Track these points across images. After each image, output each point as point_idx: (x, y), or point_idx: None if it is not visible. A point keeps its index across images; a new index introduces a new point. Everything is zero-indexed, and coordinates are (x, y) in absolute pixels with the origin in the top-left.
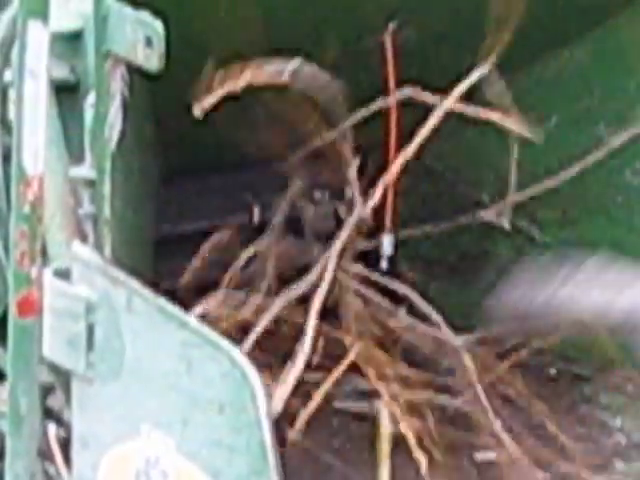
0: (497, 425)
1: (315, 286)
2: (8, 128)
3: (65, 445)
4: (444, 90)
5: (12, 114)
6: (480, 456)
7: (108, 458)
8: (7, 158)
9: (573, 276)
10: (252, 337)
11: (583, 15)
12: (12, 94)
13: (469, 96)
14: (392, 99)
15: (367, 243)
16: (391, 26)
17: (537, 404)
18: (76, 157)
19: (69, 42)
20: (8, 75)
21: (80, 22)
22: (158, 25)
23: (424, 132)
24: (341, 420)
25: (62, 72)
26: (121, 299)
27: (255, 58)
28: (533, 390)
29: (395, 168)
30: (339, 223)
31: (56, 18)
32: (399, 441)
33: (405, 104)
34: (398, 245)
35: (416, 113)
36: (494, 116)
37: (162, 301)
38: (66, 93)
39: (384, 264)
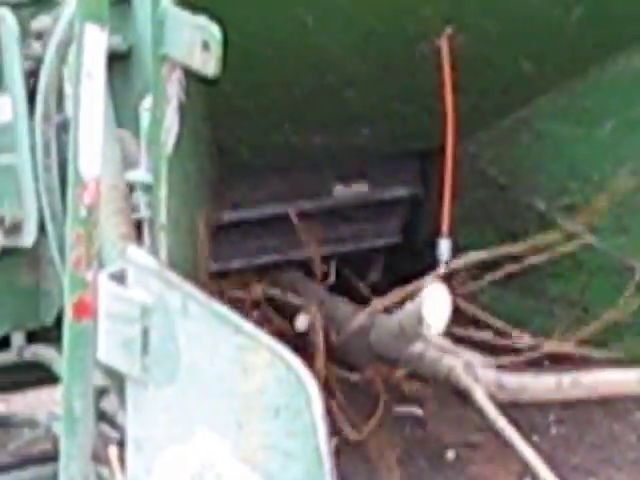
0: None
1: None
2: (65, 128)
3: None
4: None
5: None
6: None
7: (162, 461)
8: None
9: None
10: None
11: (639, 20)
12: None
13: None
14: (448, 103)
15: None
16: (448, 31)
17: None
18: (126, 125)
19: (118, 10)
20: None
21: None
22: (215, 29)
23: None
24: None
25: (113, 40)
26: (176, 303)
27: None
28: None
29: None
30: None
31: None
32: None
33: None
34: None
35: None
36: None
37: (217, 305)
38: (117, 61)
39: (441, 269)
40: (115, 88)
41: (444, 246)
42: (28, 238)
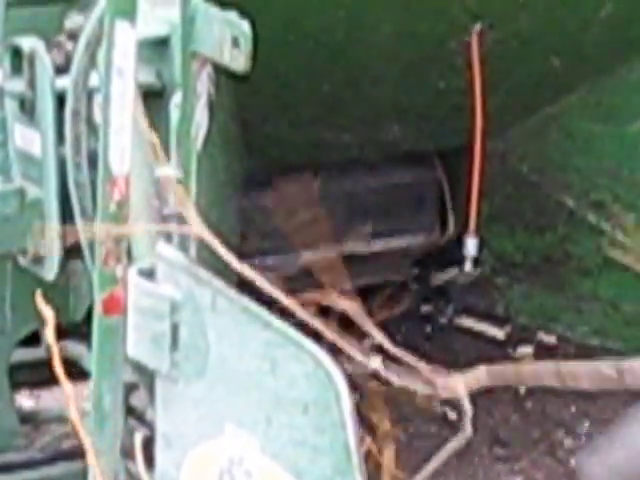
0: None
1: None
2: (93, 128)
3: (147, 444)
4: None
5: (97, 115)
6: None
7: (192, 457)
8: (92, 158)
9: None
10: None
11: None
12: (98, 96)
13: None
14: (478, 100)
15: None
16: (477, 28)
17: None
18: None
19: (155, 48)
20: (93, 79)
21: (167, 28)
22: (245, 26)
23: None
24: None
25: (148, 77)
26: (206, 299)
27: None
28: None
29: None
30: None
31: (142, 24)
32: None
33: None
34: (482, 247)
35: (504, 115)
36: None
37: (246, 301)
38: (152, 99)
39: (468, 266)
40: (150, 126)
41: (471, 244)
42: (49, 273)
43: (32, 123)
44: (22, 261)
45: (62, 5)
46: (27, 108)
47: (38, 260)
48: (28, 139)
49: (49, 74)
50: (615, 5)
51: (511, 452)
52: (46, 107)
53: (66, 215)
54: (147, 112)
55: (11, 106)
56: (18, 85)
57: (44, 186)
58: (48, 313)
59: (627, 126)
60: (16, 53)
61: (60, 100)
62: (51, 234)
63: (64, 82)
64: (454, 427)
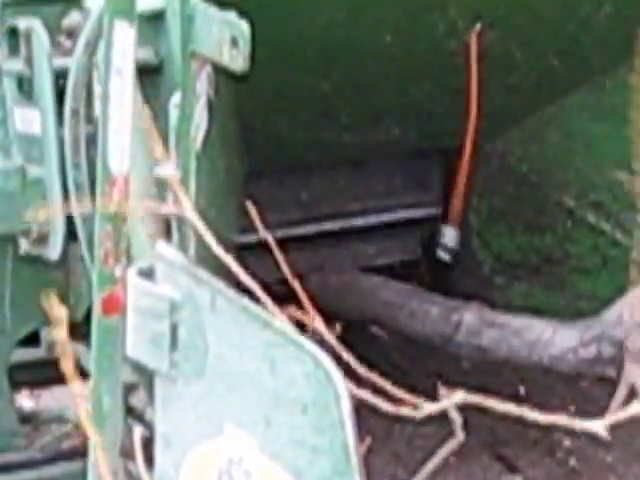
0: None
1: None
2: (94, 125)
3: (146, 444)
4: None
5: (97, 109)
6: None
7: (191, 457)
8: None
9: None
10: None
11: None
12: (97, 90)
13: None
14: (474, 100)
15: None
16: (477, 27)
17: None
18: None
19: (151, 23)
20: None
21: (161, 2)
22: (244, 26)
23: None
24: None
25: (145, 54)
26: (205, 299)
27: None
28: None
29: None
30: None
31: None
32: None
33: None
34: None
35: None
36: None
37: (246, 301)
38: (148, 76)
39: (447, 256)
40: (146, 100)
41: (450, 234)
42: (54, 252)
43: (31, 102)
44: (24, 244)
45: (61, 5)
46: (25, 87)
47: (41, 240)
48: (28, 120)
49: (46, 51)
50: (615, 5)
51: (510, 452)
52: (44, 84)
53: (68, 193)
54: (143, 89)
55: (10, 87)
56: (16, 64)
57: (45, 164)
58: (60, 312)
59: (627, 126)
60: (13, 33)
61: (58, 78)
62: (54, 212)
63: (62, 61)
64: (454, 427)
